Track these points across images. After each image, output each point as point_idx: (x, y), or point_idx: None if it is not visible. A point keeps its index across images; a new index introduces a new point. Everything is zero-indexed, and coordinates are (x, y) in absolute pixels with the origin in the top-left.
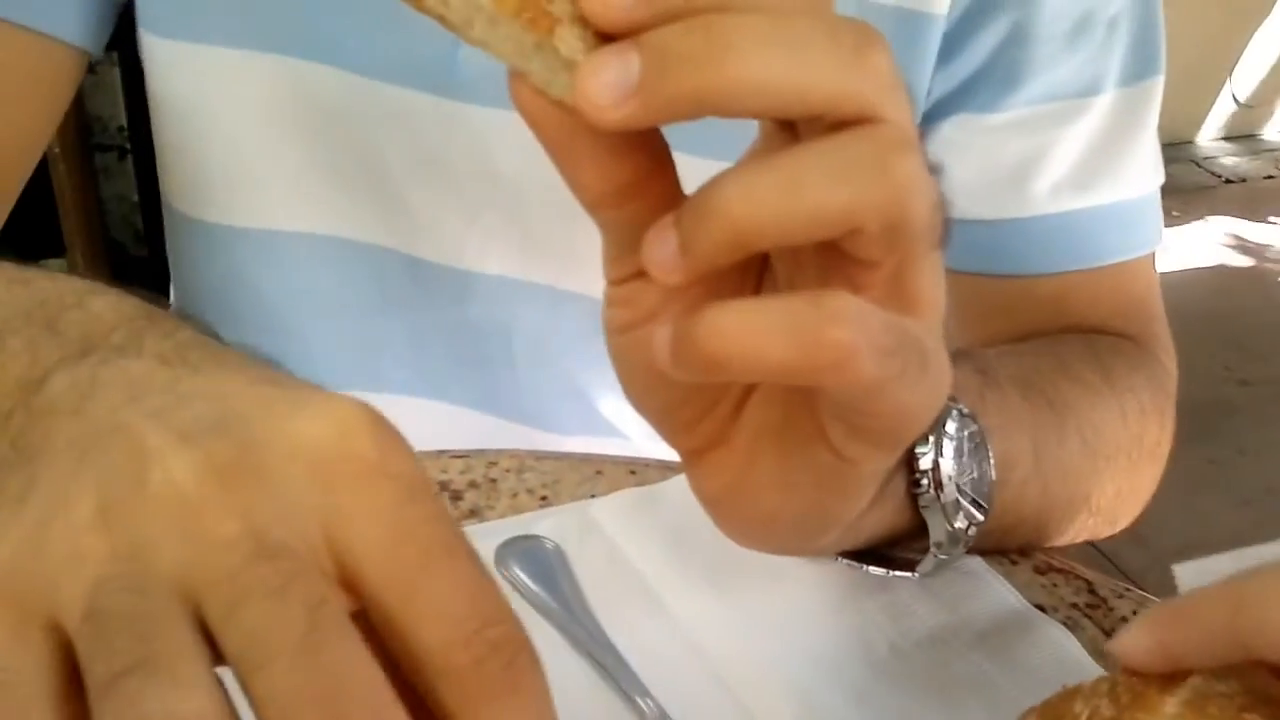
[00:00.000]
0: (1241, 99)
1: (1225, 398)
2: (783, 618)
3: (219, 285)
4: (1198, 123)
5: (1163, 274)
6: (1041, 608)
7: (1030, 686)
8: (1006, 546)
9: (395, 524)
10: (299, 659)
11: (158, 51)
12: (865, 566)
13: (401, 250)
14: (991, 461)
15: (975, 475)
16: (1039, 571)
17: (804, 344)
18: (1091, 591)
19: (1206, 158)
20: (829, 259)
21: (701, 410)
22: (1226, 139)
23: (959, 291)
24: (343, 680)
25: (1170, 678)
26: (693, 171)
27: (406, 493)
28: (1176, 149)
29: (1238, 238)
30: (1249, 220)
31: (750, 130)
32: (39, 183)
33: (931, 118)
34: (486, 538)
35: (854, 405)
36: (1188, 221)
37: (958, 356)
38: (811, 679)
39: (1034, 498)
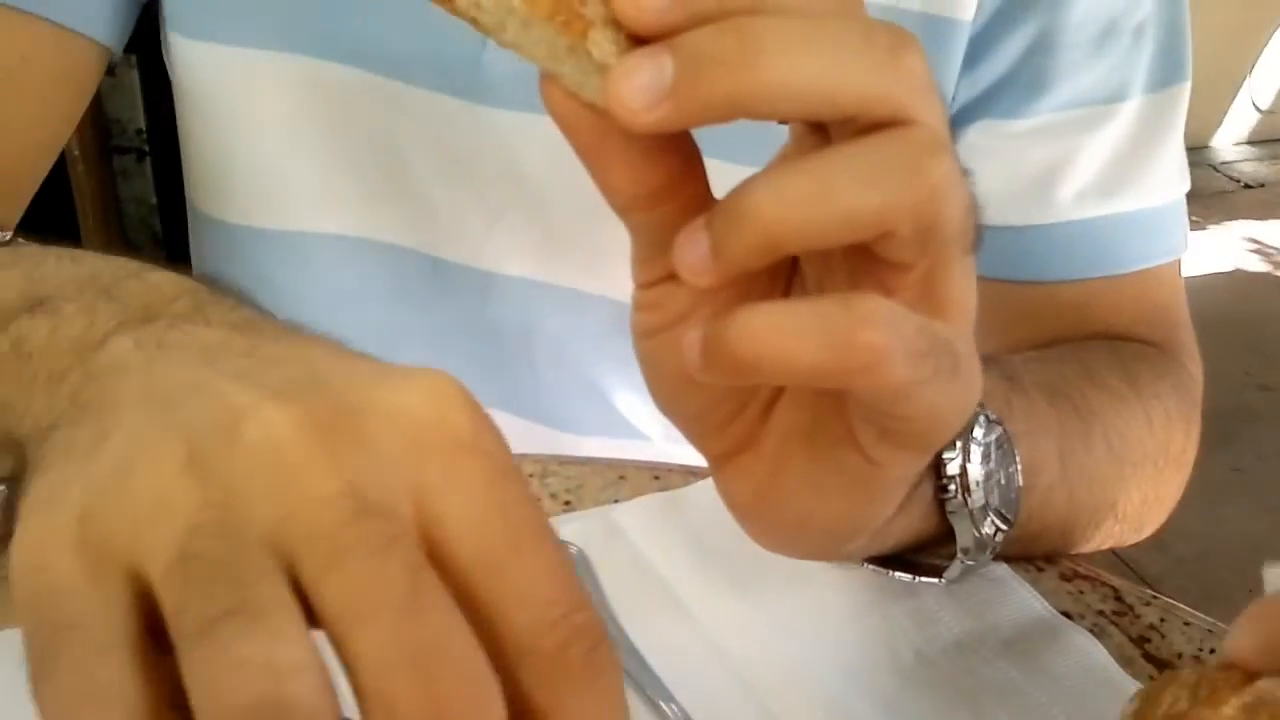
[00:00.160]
0: (1260, 104)
1: (1246, 403)
2: (808, 623)
3: (242, 286)
4: (1217, 128)
5: (1183, 279)
6: (1068, 614)
7: (1057, 694)
8: (1033, 553)
9: (488, 501)
10: (401, 619)
11: (186, 52)
12: (891, 572)
13: (424, 251)
14: (1019, 467)
15: (1002, 481)
16: (1065, 578)
17: (835, 346)
18: (1118, 598)
19: (1225, 162)
20: (860, 262)
21: (730, 414)
22: (1246, 144)
23: (983, 297)
24: (442, 646)
25: (1249, 677)
26: (722, 176)
27: (499, 471)
28: (1195, 154)
29: (1257, 242)
30: (1269, 225)
31: (780, 136)
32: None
33: (956, 124)
34: None
35: (884, 408)
36: (1207, 227)
37: (984, 363)
38: (837, 685)
39: (1060, 504)
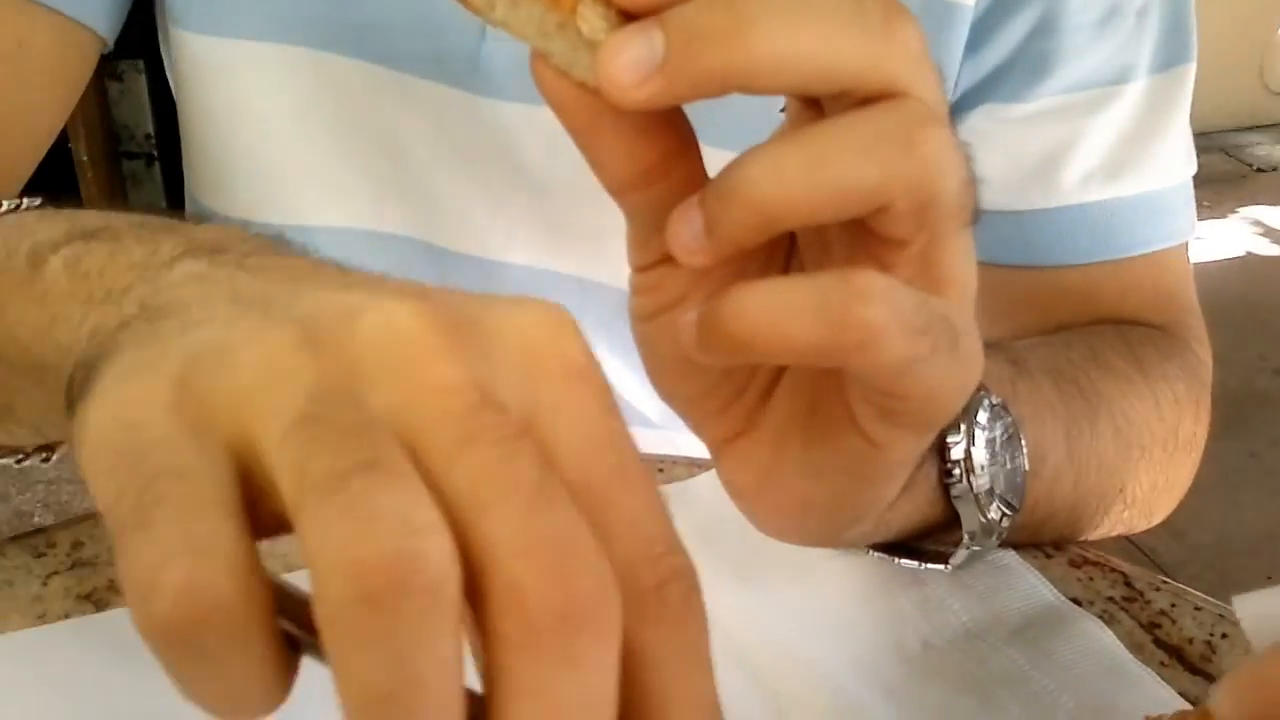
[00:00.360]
0: (1273, 87)
1: (1260, 388)
2: (814, 613)
3: None
4: (1228, 112)
5: (1194, 264)
6: (1077, 601)
7: (1066, 681)
8: (1041, 540)
9: (598, 430)
10: (532, 507)
11: (187, 47)
12: (897, 559)
13: (427, 241)
14: (1024, 451)
15: (1008, 465)
16: (1074, 565)
17: (832, 323)
18: (1128, 584)
19: (1237, 146)
20: (856, 239)
21: (729, 397)
22: (1257, 128)
23: (988, 284)
24: (573, 540)
25: None
26: (717, 164)
27: (607, 403)
28: (1207, 138)
29: (1270, 227)
30: None
31: (775, 123)
32: (67, 190)
33: (959, 108)
34: None
35: (883, 387)
36: (1219, 211)
37: (989, 348)
38: (844, 674)
39: (1067, 488)
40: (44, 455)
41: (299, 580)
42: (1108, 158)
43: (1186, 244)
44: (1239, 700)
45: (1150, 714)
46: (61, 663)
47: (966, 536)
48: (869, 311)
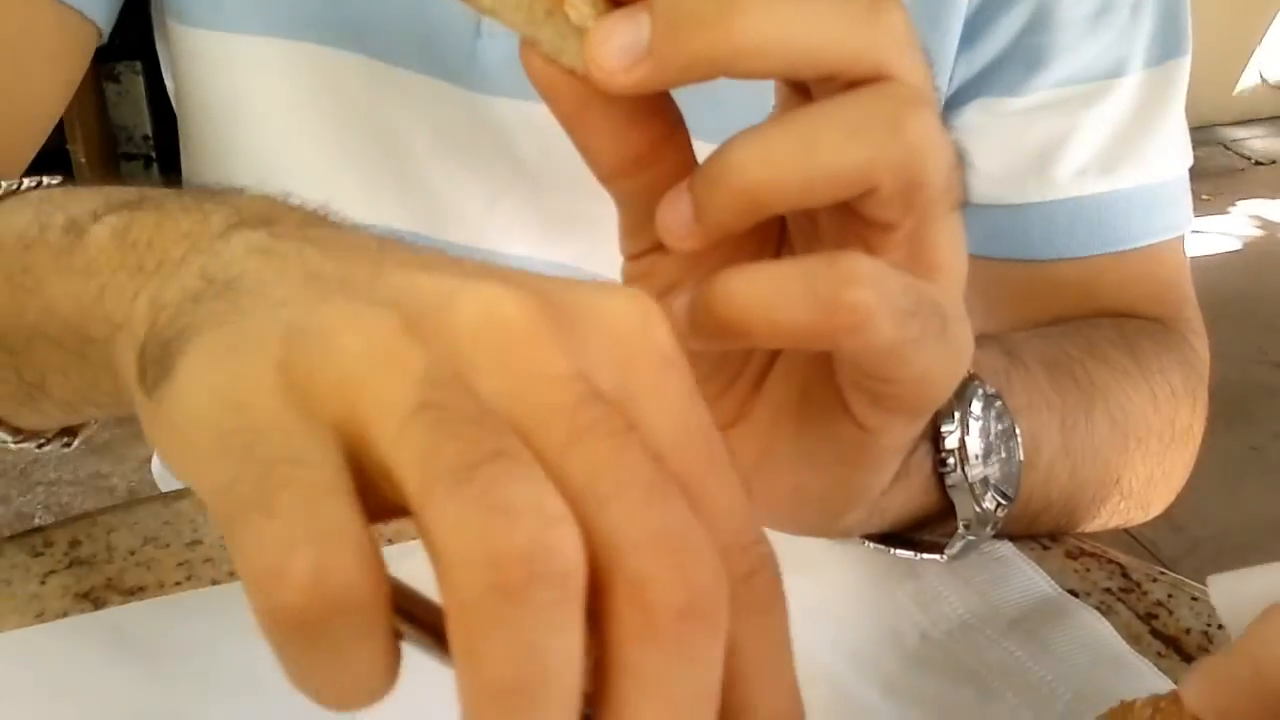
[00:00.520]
0: (1270, 80)
1: (1260, 381)
2: (811, 606)
3: None
4: (1226, 105)
5: (1194, 258)
6: (1074, 592)
7: (1064, 672)
8: (1037, 531)
9: (689, 418)
10: (649, 500)
11: (185, 41)
12: (893, 550)
13: (425, 233)
14: (1019, 442)
15: (1003, 455)
16: (1071, 556)
17: (821, 305)
18: (1124, 575)
19: (1235, 140)
20: (846, 224)
21: (722, 385)
22: (1255, 121)
23: (984, 277)
24: (689, 533)
25: None
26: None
27: (695, 392)
28: (1205, 132)
29: (1269, 220)
30: None
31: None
32: None
33: (955, 102)
34: None
35: (873, 370)
36: (1218, 205)
37: (983, 339)
38: (841, 667)
39: (1063, 479)
40: (65, 441)
41: None
42: (1103, 151)
43: (1183, 237)
44: (1208, 690)
45: (1126, 699)
46: (59, 661)
47: (962, 526)
48: (857, 294)
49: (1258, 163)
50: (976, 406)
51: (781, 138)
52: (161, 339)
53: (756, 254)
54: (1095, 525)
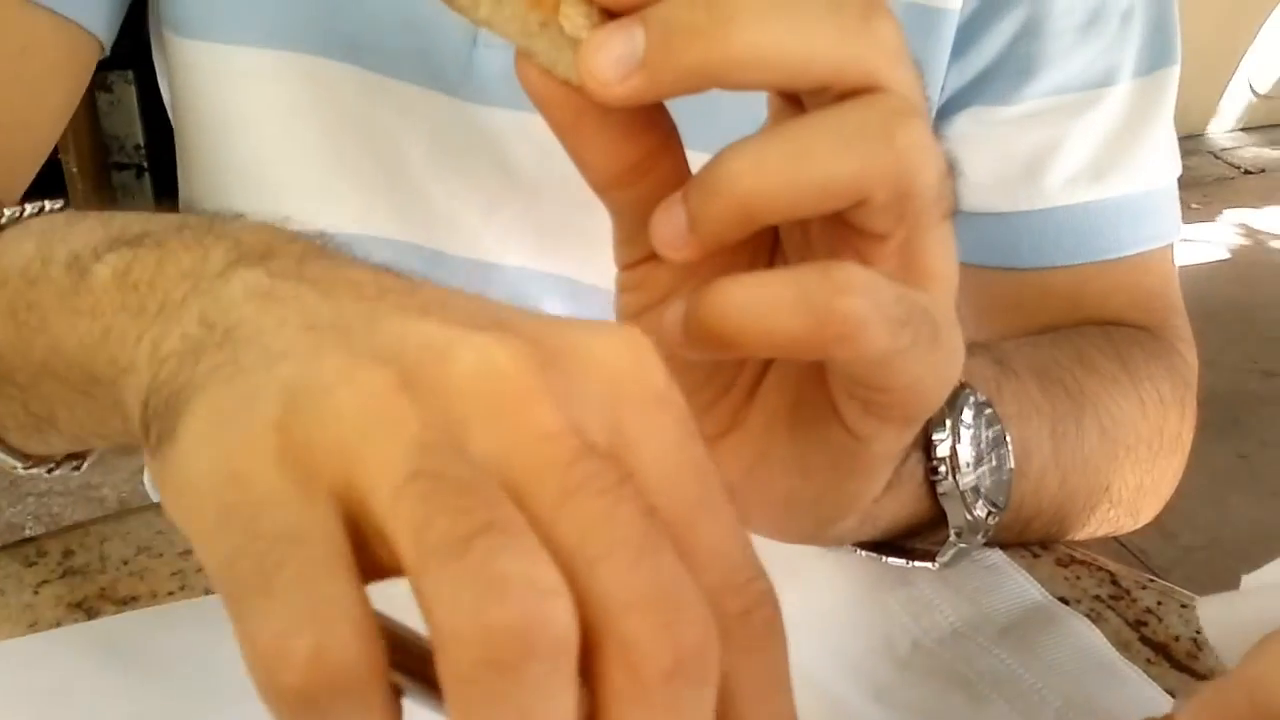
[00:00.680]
0: (1259, 89)
1: (1249, 390)
2: (803, 614)
3: None
4: (1215, 114)
5: (1183, 266)
6: (1064, 600)
7: (1054, 680)
8: (1027, 539)
9: (682, 457)
10: (640, 558)
11: (182, 53)
12: (884, 557)
13: (421, 244)
14: (1010, 450)
15: (994, 463)
16: (1061, 564)
17: (813, 315)
18: (1114, 583)
19: (1225, 149)
20: (838, 234)
21: (716, 394)
22: (1245, 130)
23: (974, 285)
24: (679, 591)
25: None
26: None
27: (690, 429)
28: (1194, 141)
29: (1258, 229)
30: (1269, 211)
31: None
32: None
33: (946, 111)
34: None
35: (865, 379)
36: (1207, 213)
37: (974, 348)
38: (832, 675)
39: (1053, 487)
40: (75, 464)
41: None
42: (1093, 160)
43: (1172, 246)
44: (1204, 718)
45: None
46: (53, 671)
47: (953, 534)
48: (849, 303)
49: (1247, 171)
50: (968, 415)
51: (774, 148)
52: (163, 394)
53: (750, 264)
54: (1085, 533)
